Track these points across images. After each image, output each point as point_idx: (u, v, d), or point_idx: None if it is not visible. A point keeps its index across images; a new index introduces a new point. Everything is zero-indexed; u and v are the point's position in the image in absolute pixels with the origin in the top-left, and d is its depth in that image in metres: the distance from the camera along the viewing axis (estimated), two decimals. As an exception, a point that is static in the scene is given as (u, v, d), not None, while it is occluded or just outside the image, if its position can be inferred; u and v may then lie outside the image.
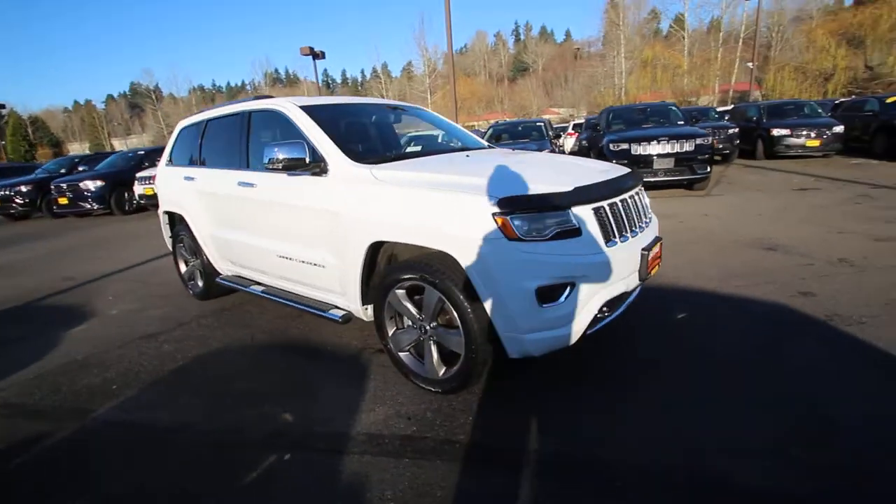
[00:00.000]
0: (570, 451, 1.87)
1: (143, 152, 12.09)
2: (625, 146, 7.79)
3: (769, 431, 1.89)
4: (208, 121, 3.69)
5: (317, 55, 22.06)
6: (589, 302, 2.04)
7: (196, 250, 3.85)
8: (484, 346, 2.09)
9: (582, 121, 19.38)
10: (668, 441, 1.88)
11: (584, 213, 2.04)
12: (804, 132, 10.92)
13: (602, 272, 2.04)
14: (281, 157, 2.55)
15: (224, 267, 3.69)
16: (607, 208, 2.14)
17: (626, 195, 2.29)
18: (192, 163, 3.79)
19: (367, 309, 2.62)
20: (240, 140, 3.26)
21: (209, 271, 3.82)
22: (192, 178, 3.67)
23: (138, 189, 10.14)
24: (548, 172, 2.47)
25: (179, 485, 1.86)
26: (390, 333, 2.47)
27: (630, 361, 2.58)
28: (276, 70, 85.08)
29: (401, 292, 2.34)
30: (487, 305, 2.00)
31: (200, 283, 4.03)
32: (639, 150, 7.68)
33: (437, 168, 2.47)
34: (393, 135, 3.81)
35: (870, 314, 2.85)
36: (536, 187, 2.04)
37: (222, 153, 3.51)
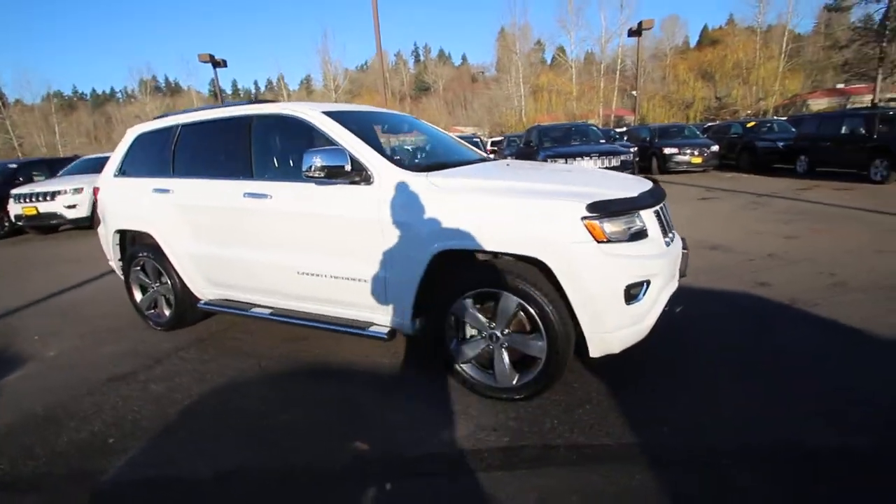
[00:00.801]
0: (673, 440, 1.97)
1: (15, 165, 10.07)
2: (561, 161, 8.43)
3: (812, 401, 2.19)
4: (183, 126, 3.25)
5: (217, 63, 20.49)
6: (658, 298, 2.20)
7: (165, 273, 3.32)
8: (566, 348, 2.13)
9: (500, 138, 20.71)
10: (743, 421, 2.08)
11: (647, 217, 2.20)
12: (689, 150, 12.78)
13: (667, 269, 2.22)
14: (321, 164, 2.36)
15: (206, 290, 3.24)
16: (661, 212, 2.34)
17: (665, 201, 2.52)
18: (160, 173, 3.28)
19: (415, 322, 2.50)
20: (239, 148, 2.92)
21: (183, 297, 3.32)
22: (165, 191, 3.18)
23: (14, 209, 8.39)
24: (603, 181, 2.61)
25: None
26: (452, 346, 2.39)
27: (655, 353, 2.77)
28: (155, 77, 76.82)
29: (469, 301, 2.29)
30: (577, 306, 2.05)
31: (168, 312, 3.48)
32: (573, 164, 8.37)
33: (499, 176, 2.49)
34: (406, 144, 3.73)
35: (821, 298, 3.44)
36: (611, 193, 2.16)
37: (211, 162, 3.12)
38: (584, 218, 2.01)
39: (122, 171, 3.57)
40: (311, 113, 2.72)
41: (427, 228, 2.28)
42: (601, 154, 8.36)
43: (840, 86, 36.16)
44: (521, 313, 2.18)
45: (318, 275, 2.66)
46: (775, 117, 21.26)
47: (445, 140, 3.72)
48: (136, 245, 3.57)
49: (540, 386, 2.22)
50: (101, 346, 3.38)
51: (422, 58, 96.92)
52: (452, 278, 2.31)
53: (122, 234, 3.60)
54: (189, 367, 2.95)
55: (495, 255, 2.26)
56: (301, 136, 2.82)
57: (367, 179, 2.45)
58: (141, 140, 3.53)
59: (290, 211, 2.68)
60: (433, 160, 3.35)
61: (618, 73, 38.08)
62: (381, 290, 2.49)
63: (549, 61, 55.50)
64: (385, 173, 2.44)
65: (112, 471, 2.00)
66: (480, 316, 2.30)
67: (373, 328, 2.59)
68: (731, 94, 30.77)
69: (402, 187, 2.38)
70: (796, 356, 2.61)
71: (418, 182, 2.37)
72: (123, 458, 2.08)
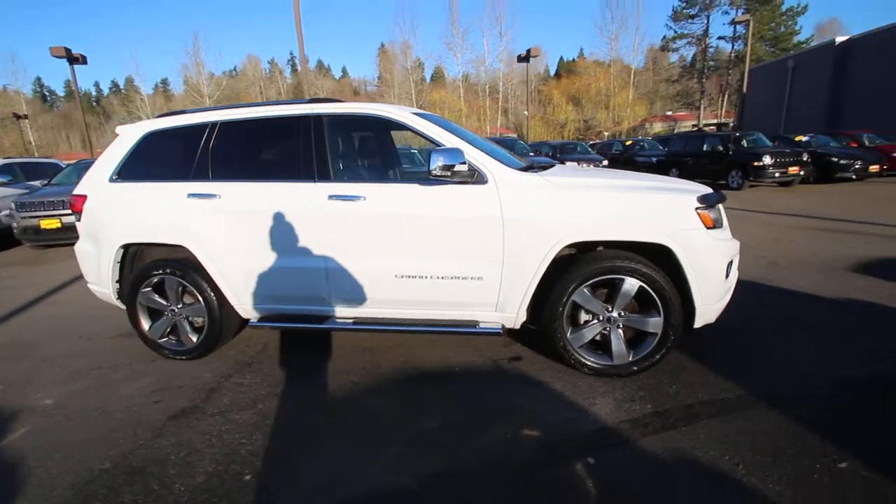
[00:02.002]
0: (772, 386, 2.42)
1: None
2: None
3: (832, 347, 2.85)
4: (221, 124, 2.89)
5: (75, 59, 17.37)
6: (733, 274, 2.67)
7: (198, 291, 2.89)
8: (679, 321, 2.47)
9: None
10: (803, 365, 2.64)
11: (720, 208, 2.67)
12: (585, 164, 14.57)
13: (737, 251, 2.70)
14: (443, 164, 2.39)
15: (257, 307, 2.91)
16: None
17: None
18: (193, 176, 2.86)
19: (523, 315, 2.63)
20: (309, 148, 2.73)
21: (220, 317, 2.93)
22: (209, 196, 2.79)
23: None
24: (670, 181, 2.98)
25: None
26: (568, 333, 2.57)
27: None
28: (-44, 73, 61.42)
29: (587, 289, 2.50)
30: (693, 284, 2.40)
31: (194, 338, 3.02)
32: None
33: (595, 176, 2.75)
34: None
35: (770, 275, 4.35)
36: (700, 189, 2.58)
37: (270, 163, 2.87)
38: (697, 208, 2.39)
39: (123, 175, 3.02)
40: (403, 114, 2.70)
41: (553, 223, 2.44)
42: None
43: (669, 112, 44.45)
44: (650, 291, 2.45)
45: (421, 277, 2.62)
46: (640, 137, 25.39)
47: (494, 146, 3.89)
48: (148, 262, 3.03)
49: (655, 359, 2.52)
50: (115, 386, 2.79)
51: (299, 67, 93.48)
52: (572, 269, 2.50)
53: (125, 249, 3.03)
54: (261, 392, 2.63)
55: (614, 244, 2.51)
56: (385, 136, 2.76)
57: (480, 179, 2.52)
58: (152, 139, 3.02)
59: (389, 212, 2.60)
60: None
61: (501, 94, 41.42)
62: (496, 286, 2.57)
63: (428, 79, 58.44)
64: (498, 172, 2.54)
65: (284, 504, 1.77)
66: (598, 301, 2.53)
67: (482, 325, 2.65)
68: (596, 116, 35.80)
69: (520, 185, 2.51)
70: (796, 317, 3.32)
71: (535, 181, 2.53)
72: (285, 490, 1.84)
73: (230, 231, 2.79)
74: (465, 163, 2.42)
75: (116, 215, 2.97)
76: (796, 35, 35.37)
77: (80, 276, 3.36)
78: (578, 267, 2.50)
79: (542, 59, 61.56)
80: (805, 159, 10.84)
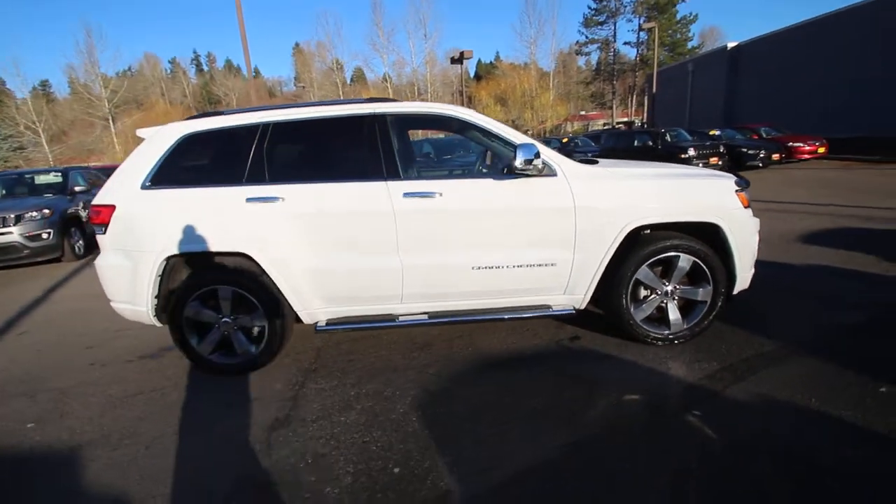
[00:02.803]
0: (802, 338, 2.87)
1: None
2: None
3: (819, 302, 3.42)
4: (274, 125, 2.79)
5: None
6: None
7: (257, 300, 2.76)
8: (724, 288, 2.84)
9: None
10: (807, 316, 3.14)
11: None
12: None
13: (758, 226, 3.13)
14: (525, 158, 2.55)
15: (322, 310, 2.85)
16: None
17: None
18: (247, 180, 2.72)
19: (588, 297, 2.87)
20: (374, 147, 2.73)
21: (283, 324, 2.83)
22: (271, 199, 2.67)
23: None
24: (702, 170, 3.36)
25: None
26: (632, 309, 2.84)
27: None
28: None
29: (648, 267, 2.79)
30: (737, 256, 2.78)
31: (253, 348, 2.88)
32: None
33: (641, 166, 3.03)
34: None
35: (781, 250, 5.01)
36: (730, 175, 2.97)
37: (334, 164, 2.81)
38: (736, 191, 2.77)
39: (158, 182, 2.78)
40: (469, 112, 2.80)
41: (620, 210, 2.69)
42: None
43: (583, 112, 47.87)
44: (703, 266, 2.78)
45: (498, 267, 2.74)
46: (571, 134, 27.07)
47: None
48: (196, 273, 2.82)
49: (704, 324, 2.87)
50: (175, 407, 2.58)
51: (205, 67, 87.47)
52: (636, 249, 2.77)
53: (168, 261, 2.79)
54: (350, 393, 2.60)
55: (670, 225, 2.81)
56: (455, 135, 2.83)
57: (551, 171, 2.70)
58: (191, 142, 2.82)
59: (466, 207, 2.69)
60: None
61: (429, 96, 41.83)
62: (567, 271, 2.77)
63: (349, 81, 57.50)
64: (565, 165, 2.74)
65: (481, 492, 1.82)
66: (656, 277, 2.83)
67: (555, 308, 2.85)
68: (523, 116, 37.56)
69: (588, 176, 2.73)
70: (781, 282, 3.90)
71: (599, 171, 2.77)
72: (448, 475, 1.89)
73: (296, 235, 2.70)
74: (540, 157, 2.60)
75: (157, 225, 2.74)
76: (689, 41, 39.92)
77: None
78: (641, 248, 2.77)
79: (464, 65, 62.97)
80: (722, 150, 12.35)
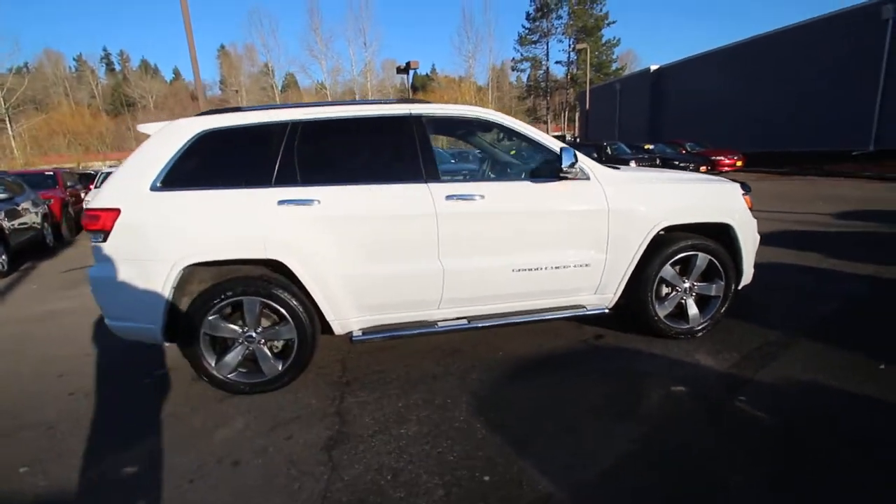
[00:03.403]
0: (799, 328, 3.19)
1: None
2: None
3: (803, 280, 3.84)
4: (304, 124, 2.63)
5: None
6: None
7: (287, 310, 2.56)
8: (735, 285, 3.09)
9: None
10: (800, 313, 3.51)
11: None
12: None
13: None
14: (570, 162, 2.63)
15: (355, 319, 2.71)
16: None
17: None
18: (276, 182, 2.54)
19: (617, 296, 2.99)
20: (414, 148, 2.68)
21: (313, 336, 2.65)
22: (305, 202, 2.50)
23: None
24: (706, 176, 3.58)
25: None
26: (657, 307, 3.00)
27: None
28: None
29: (670, 266, 2.97)
30: (744, 252, 3.04)
31: (280, 365, 2.66)
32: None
33: (652, 171, 3.22)
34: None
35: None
36: (733, 181, 3.25)
37: (369, 165, 2.71)
38: (742, 194, 3.04)
39: (171, 183, 2.51)
40: (503, 116, 2.83)
41: (649, 212, 2.85)
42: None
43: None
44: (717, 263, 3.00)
45: (537, 268, 2.78)
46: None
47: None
48: (216, 284, 2.56)
49: (719, 317, 3.10)
50: (209, 433, 2.31)
51: (117, 67, 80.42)
52: (661, 250, 2.93)
53: (188, 271, 2.51)
54: (398, 405, 2.48)
55: (686, 227, 3.01)
56: (483, 138, 2.85)
57: (585, 175, 2.80)
58: (210, 140, 2.57)
59: (506, 209, 2.71)
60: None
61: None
62: (600, 271, 2.87)
63: (279, 87, 55.74)
64: (597, 169, 2.86)
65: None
66: (678, 276, 3.02)
67: (589, 308, 2.93)
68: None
69: (619, 181, 2.87)
70: (762, 279, 4.30)
71: (627, 176, 2.92)
72: (540, 478, 1.86)
73: (333, 239, 2.56)
74: (578, 161, 2.69)
75: (173, 231, 2.46)
76: (613, 63, 43.27)
77: None
78: (664, 248, 2.94)
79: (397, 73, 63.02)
80: (657, 163, 13.46)
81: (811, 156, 15.77)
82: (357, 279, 2.62)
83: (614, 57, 43.38)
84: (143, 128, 2.69)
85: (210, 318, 2.54)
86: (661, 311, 3.02)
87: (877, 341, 2.88)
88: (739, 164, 15.37)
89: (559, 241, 2.80)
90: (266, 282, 2.55)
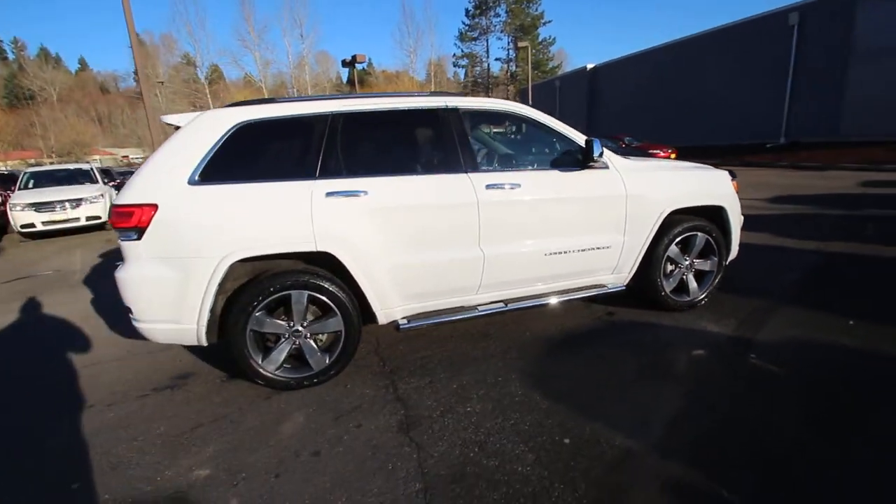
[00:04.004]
0: (780, 296, 3.65)
1: None
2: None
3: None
4: (345, 115, 2.62)
5: None
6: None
7: (333, 303, 2.57)
8: (725, 259, 3.48)
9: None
10: (775, 283, 4.00)
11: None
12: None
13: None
14: (600, 152, 2.86)
15: (399, 308, 2.76)
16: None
17: None
18: (321, 173, 2.52)
19: (631, 275, 3.28)
20: (453, 140, 2.77)
21: (358, 327, 2.68)
22: (353, 193, 2.51)
23: None
24: (695, 164, 3.94)
25: None
26: (665, 283, 3.31)
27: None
28: None
29: (675, 246, 3.29)
30: (733, 231, 3.44)
31: (328, 358, 2.66)
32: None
33: (653, 161, 3.52)
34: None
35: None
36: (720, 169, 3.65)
37: (411, 156, 2.77)
38: (731, 179, 3.43)
39: (210, 176, 2.42)
40: (533, 111, 3.00)
41: (660, 197, 3.15)
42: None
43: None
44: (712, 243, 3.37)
45: (566, 252, 2.98)
46: None
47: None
48: (262, 280, 2.50)
49: (714, 289, 3.48)
50: (268, 433, 2.28)
51: (10, 55, 71.71)
52: (668, 231, 3.24)
53: (234, 267, 2.42)
54: (452, 386, 2.58)
55: (686, 210, 3.34)
56: (518, 130, 3.00)
57: (604, 164, 3.04)
58: (249, 131, 2.49)
59: (541, 197, 2.88)
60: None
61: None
62: (618, 252, 3.13)
63: (203, 79, 52.26)
64: (614, 159, 3.11)
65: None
66: (680, 254, 3.35)
67: (609, 286, 3.19)
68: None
69: (632, 169, 3.14)
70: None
71: (639, 165, 3.19)
72: (637, 446, 2.05)
73: (380, 230, 2.59)
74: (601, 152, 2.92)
75: (217, 226, 2.38)
76: (550, 61, 45.03)
77: None
78: (671, 229, 3.26)
79: (333, 67, 61.02)
80: (605, 156, 14.29)
81: (732, 148, 17.49)
82: (402, 268, 2.68)
83: (551, 55, 45.24)
84: (169, 118, 2.56)
85: (257, 314, 2.49)
86: (668, 287, 3.34)
87: (840, 302, 3.39)
88: (673, 156, 16.70)
89: (585, 226, 3.02)
90: (312, 275, 2.54)
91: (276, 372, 2.59)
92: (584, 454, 1.96)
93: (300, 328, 2.59)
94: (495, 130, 4.66)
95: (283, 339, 2.59)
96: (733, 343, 2.90)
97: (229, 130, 2.48)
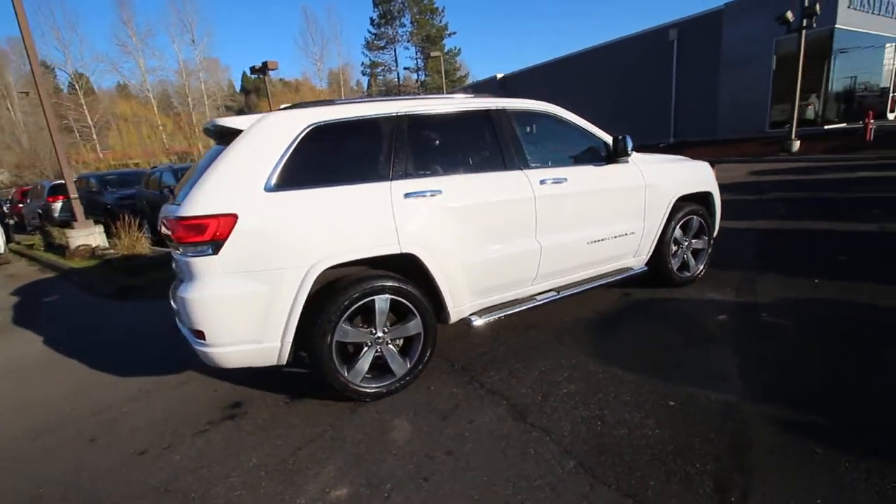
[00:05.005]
0: (756, 266, 4.28)
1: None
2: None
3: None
4: (410, 117, 2.61)
5: None
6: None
7: (412, 305, 2.54)
8: (712, 237, 4.02)
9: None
10: (748, 255, 4.67)
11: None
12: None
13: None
14: (632, 147, 3.18)
15: (468, 305, 2.81)
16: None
17: None
18: (392, 174, 2.48)
19: (647, 257, 3.66)
20: (506, 139, 2.89)
21: (434, 328, 2.68)
22: (430, 193, 2.51)
23: None
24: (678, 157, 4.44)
25: None
26: (673, 262, 3.74)
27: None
28: None
29: (679, 228, 3.74)
30: (717, 212, 4.00)
31: (408, 362, 2.61)
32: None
33: (653, 154, 3.94)
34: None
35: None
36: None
37: (472, 155, 2.83)
38: (711, 168, 3.99)
39: (286, 182, 2.27)
40: (560, 110, 3.22)
41: (669, 186, 3.56)
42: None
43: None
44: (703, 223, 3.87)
45: (603, 239, 3.25)
46: None
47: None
48: (345, 287, 2.38)
49: (706, 265, 4.00)
50: (384, 451, 2.19)
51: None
52: (675, 215, 3.66)
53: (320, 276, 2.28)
54: (533, 373, 2.68)
55: (686, 197, 3.80)
56: (549, 127, 3.21)
57: (626, 159, 3.37)
58: (320, 133, 2.37)
59: (584, 190, 3.11)
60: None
61: (208, 106, 36.96)
62: (639, 237, 3.49)
63: (65, 90, 45.71)
64: (633, 153, 3.45)
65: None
66: (682, 235, 3.81)
67: (634, 269, 3.53)
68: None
69: (646, 161, 3.51)
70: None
71: (649, 158, 3.58)
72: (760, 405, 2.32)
73: (454, 228, 2.62)
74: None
75: (301, 234, 2.25)
76: (458, 71, 46.61)
77: None
78: (675, 214, 3.69)
79: (224, 74, 56.49)
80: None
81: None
82: (474, 265, 2.73)
83: (457, 65, 46.85)
84: (226, 121, 2.35)
85: (343, 324, 2.38)
86: (675, 265, 3.78)
87: (798, 268, 4.08)
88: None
89: (616, 215, 3.32)
90: (396, 278, 2.49)
91: (362, 383, 2.49)
92: (693, 411, 2.20)
93: (381, 334, 2.52)
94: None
95: (365, 348, 2.49)
96: (742, 307, 3.38)
97: (301, 133, 2.34)
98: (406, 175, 2.53)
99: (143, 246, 7.35)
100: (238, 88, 66.40)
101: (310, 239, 2.26)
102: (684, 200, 3.76)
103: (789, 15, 11.99)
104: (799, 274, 3.90)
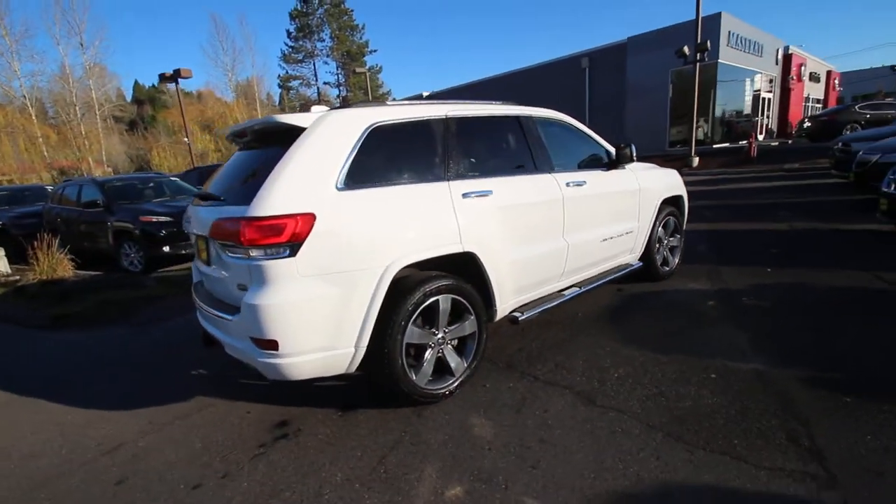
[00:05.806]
0: (730, 258, 4.88)
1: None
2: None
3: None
4: (457, 120, 2.67)
5: None
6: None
7: (469, 304, 2.58)
8: (683, 235, 4.54)
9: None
10: (707, 251, 5.29)
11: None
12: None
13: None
14: (635, 153, 3.52)
15: (511, 302, 2.90)
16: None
17: None
18: (446, 175, 2.52)
19: (640, 254, 4.04)
20: (527, 143, 3.07)
21: (486, 325, 2.74)
22: (483, 193, 2.58)
23: None
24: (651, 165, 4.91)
25: None
26: (658, 258, 4.16)
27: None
28: None
29: (661, 227, 4.19)
30: (685, 213, 4.53)
31: (465, 363, 2.63)
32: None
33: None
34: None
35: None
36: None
37: (508, 158, 2.96)
38: (679, 175, 4.53)
39: (356, 180, 2.21)
40: (567, 118, 3.47)
41: (655, 190, 3.98)
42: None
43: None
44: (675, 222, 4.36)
45: (612, 237, 3.54)
46: None
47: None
48: (412, 286, 2.33)
49: (679, 260, 4.50)
50: (468, 440, 2.18)
51: None
52: (658, 216, 4.10)
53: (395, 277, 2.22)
54: (578, 364, 2.84)
55: (665, 200, 4.26)
56: (561, 134, 3.44)
57: (624, 165, 3.72)
58: (380, 134, 2.33)
59: (600, 192, 3.38)
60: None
61: (98, 116, 32.91)
62: (635, 235, 3.85)
63: None
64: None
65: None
66: (664, 234, 4.26)
67: (632, 265, 3.87)
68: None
69: (636, 168, 3.90)
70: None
71: (639, 165, 3.97)
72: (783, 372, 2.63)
73: (502, 228, 2.72)
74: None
75: (377, 234, 2.19)
76: (380, 88, 46.69)
77: None
78: (659, 215, 4.12)
79: (113, 83, 50.90)
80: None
81: (556, 164, 21.20)
82: (517, 263, 2.84)
83: (380, 82, 47.00)
84: (285, 118, 2.23)
85: (413, 326, 2.34)
86: (659, 260, 4.21)
87: (751, 259, 4.75)
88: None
89: (620, 215, 3.64)
90: (457, 276, 2.51)
91: (427, 385, 2.45)
92: (734, 381, 2.49)
93: (441, 335, 2.51)
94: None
95: (429, 349, 2.47)
96: (724, 294, 3.86)
97: (364, 132, 2.30)
98: (459, 176, 2.58)
99: (66, 268, 6.37)
100: (129, 98, 60.08)
101: (384, 238, 2.21)
102: (665, 203, 4.22)
103: (686, 49, 13.91)
104: (750, 264, 4.54)
